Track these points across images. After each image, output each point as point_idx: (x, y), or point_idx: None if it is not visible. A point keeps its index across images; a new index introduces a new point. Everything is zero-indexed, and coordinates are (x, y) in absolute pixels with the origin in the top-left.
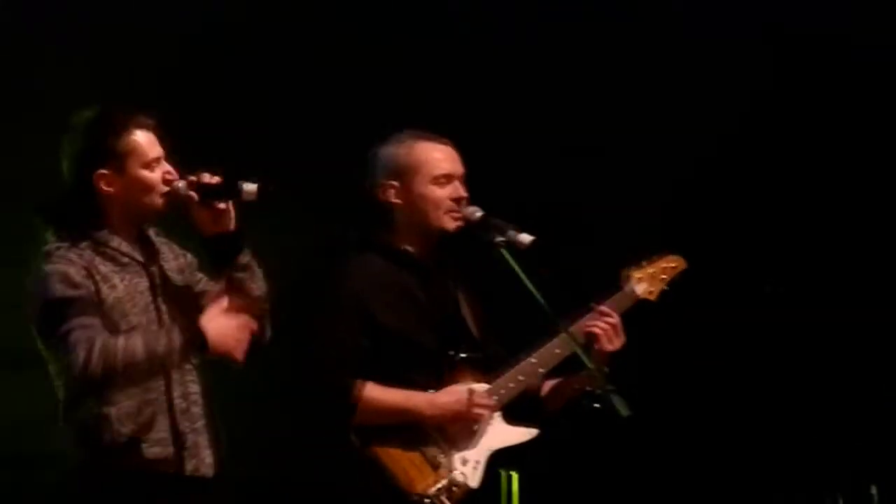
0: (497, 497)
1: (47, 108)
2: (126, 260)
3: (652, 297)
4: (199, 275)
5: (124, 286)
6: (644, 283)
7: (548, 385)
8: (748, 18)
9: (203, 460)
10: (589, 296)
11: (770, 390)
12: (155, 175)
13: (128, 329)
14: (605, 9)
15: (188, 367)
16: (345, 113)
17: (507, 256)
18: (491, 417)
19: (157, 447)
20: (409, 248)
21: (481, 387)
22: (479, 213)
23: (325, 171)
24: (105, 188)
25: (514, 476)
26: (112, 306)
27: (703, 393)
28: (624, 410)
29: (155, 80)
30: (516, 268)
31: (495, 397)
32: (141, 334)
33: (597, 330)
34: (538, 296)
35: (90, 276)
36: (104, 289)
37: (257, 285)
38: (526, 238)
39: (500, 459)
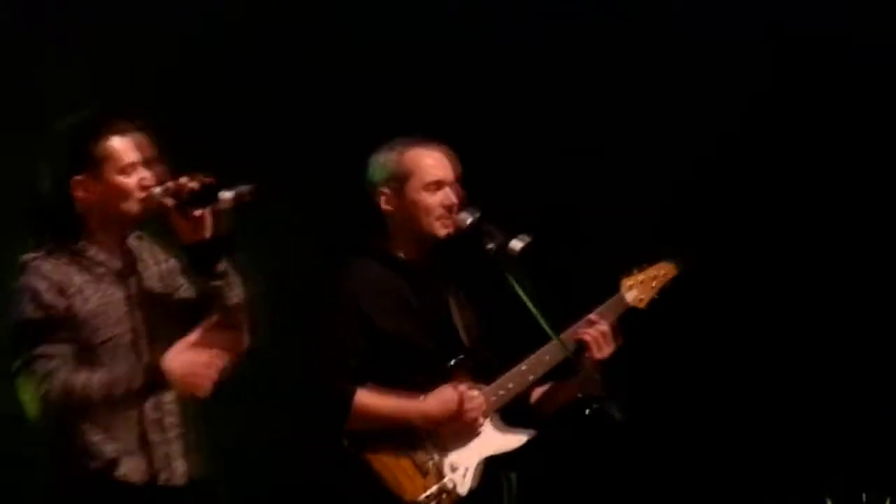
0: (490, 503)
1: (47, 108)
2: (102, 270)
3: (641, 305)
4: (181, 280)
5: (98, 298)
6: (634, 290)
7: (539, 391)
8: (748, 18)
9: (175, 471)
10: (587, 297)
11: (762, 396)
12: (131, 180)
13: (102, 341)
14: (605, 9)
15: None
16: (344, 113)
17: (499, 263)
18: (482, 423)
19: (125, 459)
20: (403, 254)
21: (468, 391)
22: (469, 220)
23: (324, 174)
24: (82, 195)
25: (510, 481)
26: (84, 320)
27: (697, 398)
28: (618, 415)
29: (155, 80)
30: (508, 275)
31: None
32: (101, 373)
33: (587, 337)
34: (530, 303)
35: (62, 291)
36: (77, 302)
37: (235, 293)
38: (517, 245)
39: (494, 465)
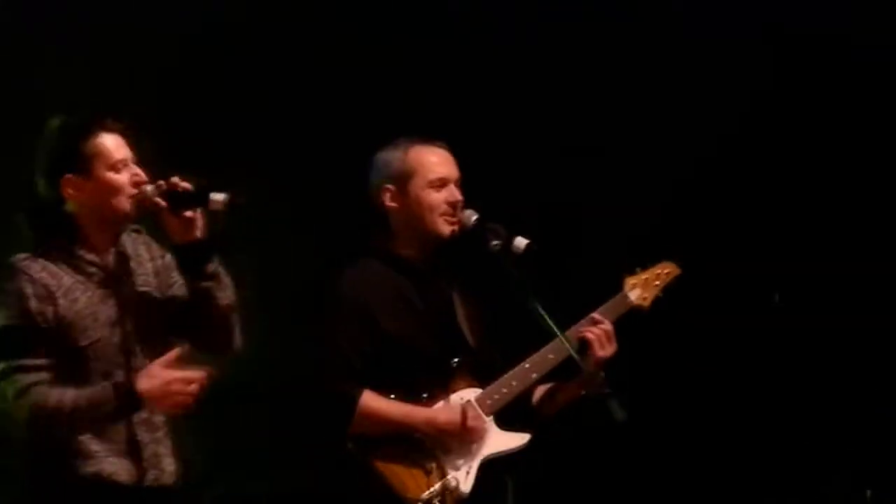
0: (492, 502)
1: (47, 108)
2: (93, 270)
3: (645, 304)
4: (175, 277)
5: (87, 298)
6: (638, 289)
7: (541, 391)
8: (748, 18)
9: (164, 470)
10: (588, 297)
11: (764, 395)
12: (122, 177)
13: (90, 344)
14: (605, 9)
15: None
16: (344, 113)
17: (503, 261)
18: (484, 423)
19: (113, 459)
20: (407, 253)
21: (472, 406)
22: (474, 218)
23: (324, 174)
24: (73, 194)
25: (510, 482)
26: (72, 322)
27: (699, 397)
28: (619, 415)
29: (155, 80)
30: (511, 272)
31: (489, 402)
32: (74, 394)
33: (590, 336)
34: (533, 301)
35: (49, 294)
36: (64, 304)
37: (225, 294)
38: (521, 242)
39: (495, 464)
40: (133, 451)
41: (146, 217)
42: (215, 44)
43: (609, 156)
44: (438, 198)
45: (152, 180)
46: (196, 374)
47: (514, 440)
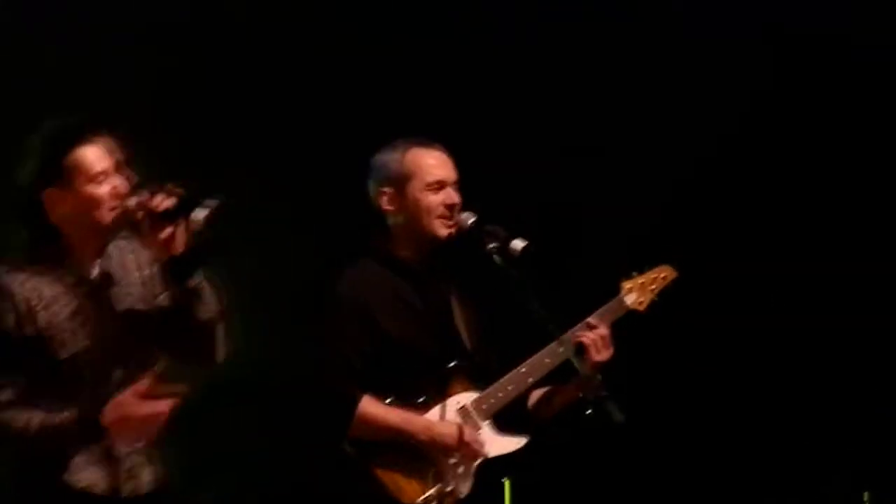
0: None
1: (47, 108)
2: (76, 281)
3: (641, 308)
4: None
5: (69, 310)
6: (634, 293)
7: (537, 394)
8: (748, 18)
9: (142, 480)
10: (585, 298)
11: (762, 396)
12: (102, 189)
13: (69, 357)
14: (605, 9)
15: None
16: (344, 114)
17: (500, 263)
18: (481, 426)
19: (92, 469)
20: (405, 255)
21: (469, 416)
22: (472, 220)
23: (324, 175)
24: (55, 207)
25: (507, 483)
26: (52, 335)
27: (697, 399)
28: (617, 417)
29: (155, 80)
30: (509, 274)
31: (485, 406)
32: (41, 419)
33: (586, 340)
34: (531, 304)
35: (29, 309)
36: (44, 316)
37: (205, 309)
38: (518, 245)
39: (493, 467)
40: (110, 462)
41: None
42: (215, 44)
43: (609, 156)
44: (436, 200)
45: (136, 190)
46: (163, 405)
47: (511, 444)
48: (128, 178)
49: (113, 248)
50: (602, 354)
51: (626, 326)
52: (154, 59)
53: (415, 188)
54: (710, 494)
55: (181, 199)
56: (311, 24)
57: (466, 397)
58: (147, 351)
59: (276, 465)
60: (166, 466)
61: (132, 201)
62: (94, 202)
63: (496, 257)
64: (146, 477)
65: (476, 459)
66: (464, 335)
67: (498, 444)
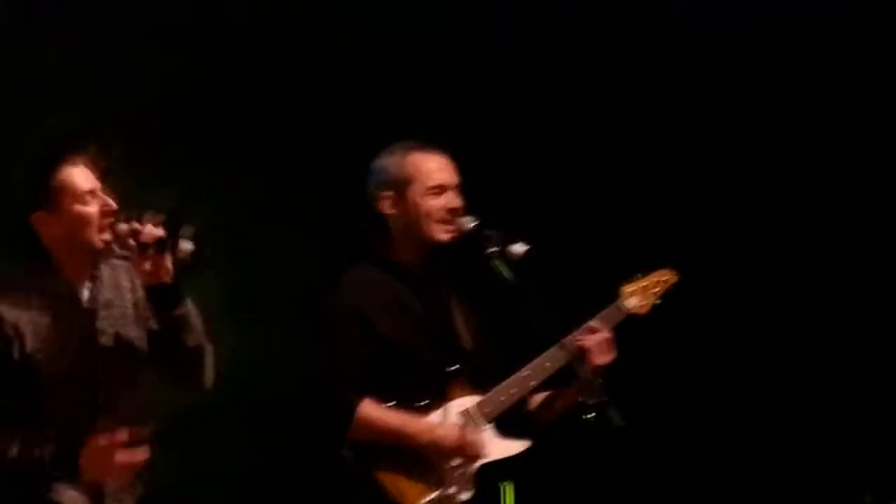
0: None
1: (47, 108)
2: (65, 304)
3: (642, 311)
4: None
5: (55, 332)
6: (636, 296)
7: (539, 398)
8: (748, 18)
9: (123, 501)
10: (586, 302)
11: (763, 398)
12: (90, 209)
13: (52, 381)
14: (605, 9)
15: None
16: (343, 116)
17: (501, 267)
18: (482, 430)
19: (72, 492)
20: (405, 259)
21: (470, 419)
22: (472, 224)
23: (324, 176)
24: (45, 230)
25: (509, 488)
26: (37, 357)
27: (697, 401)
28: (618, 421)
29: (155, 80)
30: (509, 279)
31: (487, 409)
32: (15, 450)
33: (587, 344)
34: (531, 307)
35: (16, 332)
36: (31, 337)
37: (191, 337)
38: (519, 249)
39: (494, 471)
40: (94, 485)
41: None
42: (216, 44)
43: (609, 156)
44: (437, 204)
45: (126, 216)
46: (139, 454)
47: (513, 447)
48: (116, 196)
49: (106, 269)
50: (604, 358)
51: (625, 328)
52: (154, 59)
53: (415, 192)
54: (710, 495)
55: (169, 230)
56: (311, 24)
57: (468, 401)
58: (136, 373)
59: (275, 470)
60: (149, 489)
61: (123, 226)
62: (84, 221)
63: (497, 261)
64: (128, 500)
65: (477, 461)
66: (464, 339)
67: (500, 447)
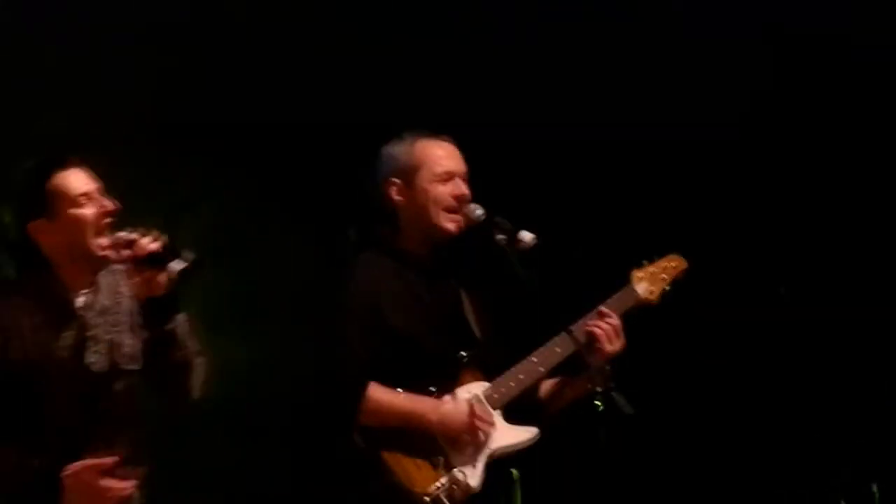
0: (498, 496)
1: (47, 108)
2: (64, 309)
3: (653, 297)
4: None
5: (54, 340)
6: (645, 282)
7: (548, 385)
8: (748, 18)
9: None
10: (591, 293)
11: (771, 389)
12: (87, 211)
13: (45, 391)
14: (605, 9)
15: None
16: (345, 112)
17: (509, 255)
18: (492, 417)
19: None
20: (413, 247)
21: (479, 399)
22: (480, 212)
23: (324, 173)
24: (44, 238)
25: (516, 475)
26: (29, 368)
27: (706, 392)
28: (627, 409)
29: (155, 80)
30: (517, 266)
31: (496, 395)
32: (6, 465)
33: (597, 331)
34: (539, 295)
35: (12, 338)
36: (26, 348)
37: (179, 353)
38: (527, 236)
39: (502, 460)
40: None
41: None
42: (216, 43)
43: (609, 155)
44: (444, 191)
45: (124, 227)
46: (125, 485)
47: (522, 434)
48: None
49: (107, 276)
50: (614, 344)
51: (632, 319)
52: (154, 59)
53: (423, 179)
54: (718, 485)
55: (165, 245)
56: (311, 24)
57: (477, 387)
58: (131, 381)
59: (274, 471)
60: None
61: (121, 234)
62: (81, 224)
63: (505, 249)
64: None
65: (487, 445)
66: (473, 326)
67: (508, 434)
